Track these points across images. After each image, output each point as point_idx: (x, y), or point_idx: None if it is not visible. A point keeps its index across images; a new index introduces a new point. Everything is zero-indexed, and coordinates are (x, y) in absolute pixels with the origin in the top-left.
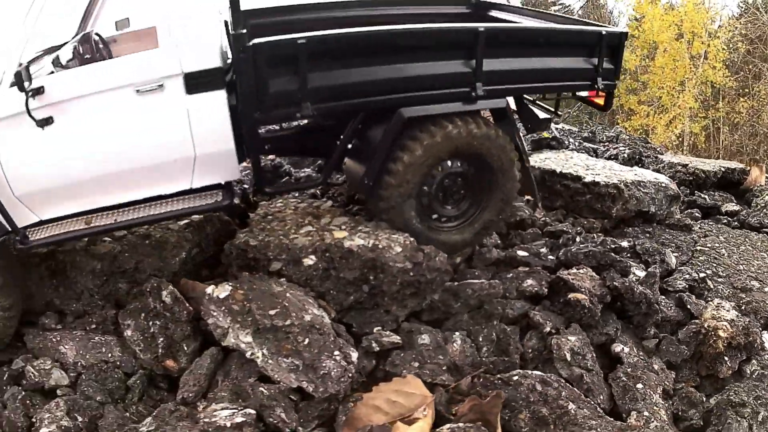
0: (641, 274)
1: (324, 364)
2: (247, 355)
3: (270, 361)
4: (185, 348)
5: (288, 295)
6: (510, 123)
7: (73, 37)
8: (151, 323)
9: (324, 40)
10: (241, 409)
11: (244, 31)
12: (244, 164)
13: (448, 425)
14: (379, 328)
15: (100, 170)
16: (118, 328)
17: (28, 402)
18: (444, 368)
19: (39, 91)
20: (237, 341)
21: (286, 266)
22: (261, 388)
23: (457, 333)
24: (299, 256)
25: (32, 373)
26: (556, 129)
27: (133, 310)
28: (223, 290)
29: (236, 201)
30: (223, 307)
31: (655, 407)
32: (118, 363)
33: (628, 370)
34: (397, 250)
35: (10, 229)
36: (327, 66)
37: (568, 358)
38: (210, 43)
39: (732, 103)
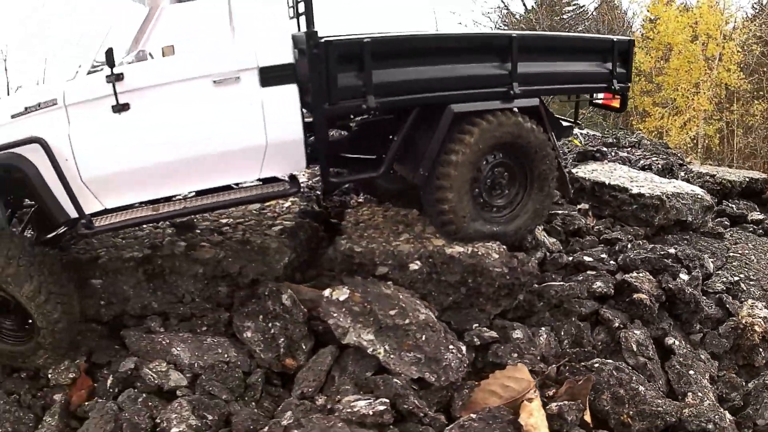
0: (685, 277)
1: (445, 357)
2: (368, 351)
3: (392, 356)
4: (303, 347)
5: (400, 296)
6: (542, 122)
7: (128, 54)
8: (270, 325)
9: (385, 41)
10: (376, 399)
11: (316, 30)
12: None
13: (555, 403)
14: (476, 325)
15: (173, 157)
16: (229, 330)
17: (150, 404)
18: (538, 358)
19: (119, 77)
20: (358, 339)
21: (392, 271)
22: (395, 380)
23: (543, 328)
24: (405, 261)
25: (150, 375)
26: (581, 134)
27: (251, 313)
28: (341, 293)
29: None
30: (344, 309)
31: (704, 390)
32: (237, 363)
33: (680, 359)
34: (494, 257)
35: (77, 215)
36: (388, 64)
37: (635, 349)
38: (283, 40)
39: (746, 105)
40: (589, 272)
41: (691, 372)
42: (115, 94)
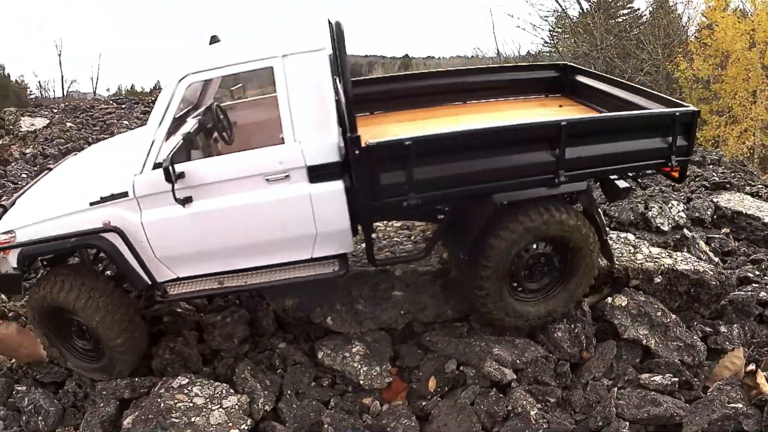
0: None
1: (696, 344)
2: (643, 342)
3: (660, 345)
4: (593, 342)
5: (657, 302)
6: (589, 198)
7: (195, 110)
8: (573, 326)
9: (427, 140)
10: (665, 375)
11: (358, 134)
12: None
13: (763, 372)
14: (695, 323)
15: (232, 242)
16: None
17: (501, 395)
18: (740, 345)
19: (180, 176)
20: (636, 334)
21: (641, 283)
22: (676, 360)
23: (734, 325)
24: (651, 276)
25: (493, 373)
26: None
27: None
28: (621, 301)
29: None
30: (625, 312)
31: None
32: (547, 356)
33: None
34: (710, 273)
35: (150, 283)
36: (430, 161)
37: None
38: (329, 141)
39: None
40: (753, 284)
41: None
42: (175, 197)
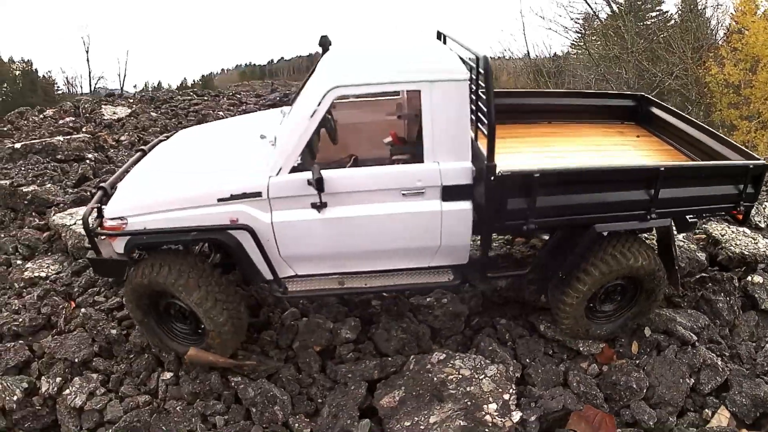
0: None
1: None
2: None
3: None
4: (741, 312)
5: None
6: (668, 232)
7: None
8: (729, 297)
9: (552, 174)
10: None
11: (495, 163)
12: None
13: None
14: None
15: (360, 247)
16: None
17: (691, 352)
18: None
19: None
20: None
21: (765, 268)
22: None
23: None
24: None
25: (686, 335)
26: None
27: (717, 291)
28: (758, 278)
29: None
30: (762, 288)
31: None
32: (714, 322)
33: None
34: None
35: (272, 278)
36: (550, 191)
37: None
38: (464, 165)
39: None
40: None
41: None
42: (320, 198)
